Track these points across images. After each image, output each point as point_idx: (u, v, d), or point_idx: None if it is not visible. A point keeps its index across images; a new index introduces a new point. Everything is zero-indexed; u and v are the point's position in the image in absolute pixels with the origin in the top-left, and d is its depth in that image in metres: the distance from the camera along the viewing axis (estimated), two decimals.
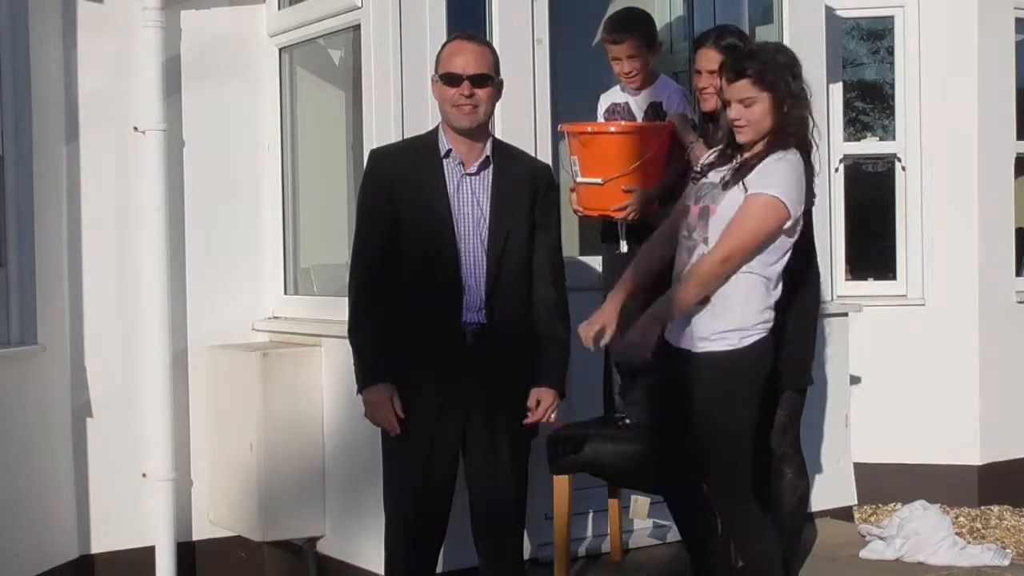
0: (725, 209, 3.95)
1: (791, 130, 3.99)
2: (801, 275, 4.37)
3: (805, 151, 4.04)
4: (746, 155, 4.00)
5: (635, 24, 4.76)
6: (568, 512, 4.78)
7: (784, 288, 4.09)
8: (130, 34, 5.38)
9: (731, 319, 3.94)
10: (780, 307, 4.10)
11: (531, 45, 5.16)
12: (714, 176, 4.05)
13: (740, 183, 3.93)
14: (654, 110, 4.78)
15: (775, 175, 3.92)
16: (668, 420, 4.12)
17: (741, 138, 4.02)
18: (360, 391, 3.94)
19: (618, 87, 4.92)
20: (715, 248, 3.90)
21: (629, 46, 4.70)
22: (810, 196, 4.12)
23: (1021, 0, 7.10)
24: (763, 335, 3.97)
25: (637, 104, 4.84)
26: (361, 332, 3.96)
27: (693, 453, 4.03)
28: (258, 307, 5.72)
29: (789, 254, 4.02)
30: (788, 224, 3.93)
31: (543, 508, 4.91)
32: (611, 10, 5.45)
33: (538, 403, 4.00)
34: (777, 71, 3.98)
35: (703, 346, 3.99)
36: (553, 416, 4.04)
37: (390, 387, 3.89)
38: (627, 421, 4.80)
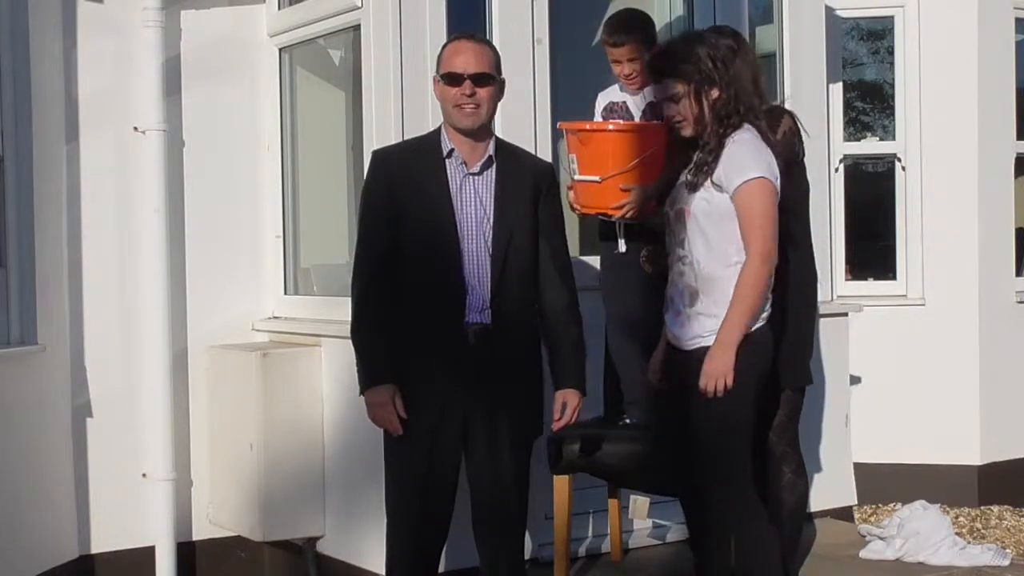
0: (698, 208, 3.95)
1: (728, 111, 3.98)
2: (798, 274, 4.38)
3: (758, 120, 4.04)
4: (699, 154, 4.01)
5: (635, 27, 4.75)
6: (568, 512, 4.78)
7: (781, 286, 4.08)
8: (130, 34, 5.38)
9: (723, 315, 3.94)
10: (778, 306, 4.10)
11: (531, 45, 5.16)
12: (683, 177, 4.07)
13: (708, 181, 3.94)
14: (652, 110, 4.78)
15: (741, 159, 3.92)
16: (677, 418, 4.10)
17: (685, 133, 4.05)
18: (363, 392, 3.94)
19: (616, 86, 4.92)
20: (749, 256, 3.88)
21: (629, 49, 4.70)
22: (799, 181, 4.12)
23: (1021, 0, 7.10)
24: (757, 328, 3.96)
25: (635, 104, 4.84)
26: (364, 332, 3.96)
27: (693, 450, 4.02)
28: (258, 307, 5.72)
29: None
30: None
31: (543, 508, 4.90)
32: (611, 10, 5.45)
33: (563, 406, 4.04)
34: (689, 59, 4.00)
35: (697, 343, 3.99)
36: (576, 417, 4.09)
37: (392, 388, 3.89)
38: (627, 421, 4.79)
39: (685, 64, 4.00)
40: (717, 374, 3.88)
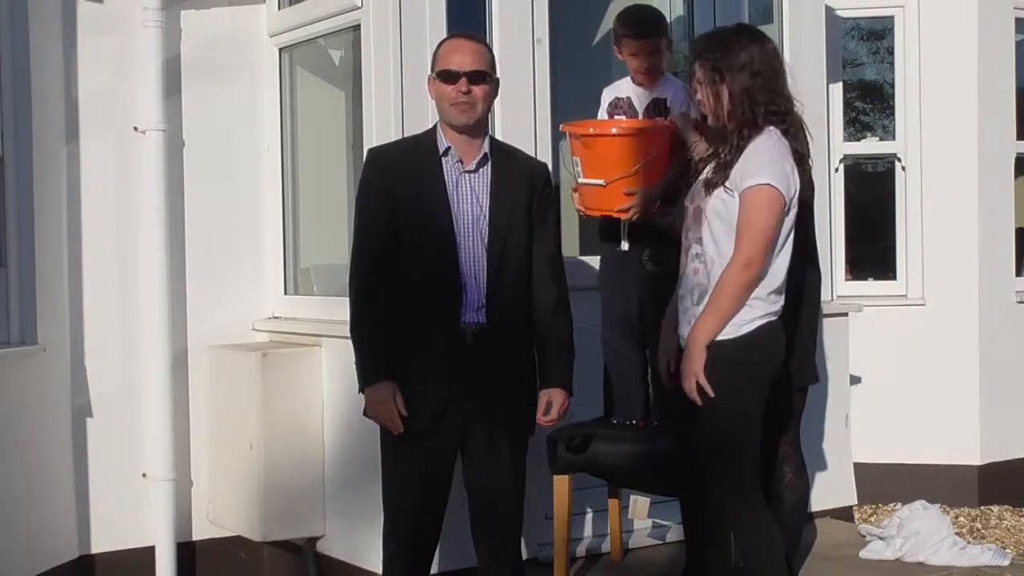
0: (713, 208, 3.94)
1: (741, 107, 3.96)
2: (803, 274, 4.37)
3: (784, 123, 4.02)
4: (722, 153, 4.01)
5: (663, 22, 4.85)
6: (568, 512, 4.78)
7: (795, 286, 4.07)
8: (130, 34, 5.38)
9: None
10: (791, 305, 4.09)
11: (531, 45, 5.17)
12: (704, 174, 4.07)
13: (726, 182, 3.93)
14: (656, 106, 4.78)
15: (753, 163, 3.90)
16: (684, 416, 4.10)
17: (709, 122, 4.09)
18: (362, 389, 3.94)
19: (624, 80, 4.91)
20: (733, 257, 3.86)
21: (657, 43, 4.74)
22: (804, 182, 4.11)
23: (1021, 0, 7.10)
24: (763, 323, 3.93)
25: (639, 100, 4.84)
26: (363, 331, 3.95)
27: (699, 447, 4.01)
28: (258, 307, 5.72)
29: (788, 240, 3.96)
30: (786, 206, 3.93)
31: (543, 508, 4.90)
32: (611, 10, 5.46)
33: (549, 404, 4.02)
34: (712, 50, 4.02)
35: None
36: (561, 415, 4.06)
37: (392, 385, 3.89)
38: (632, 421, 4.79)
39: (707, 53, 4.02)
40: (688, 373, 3.89)
